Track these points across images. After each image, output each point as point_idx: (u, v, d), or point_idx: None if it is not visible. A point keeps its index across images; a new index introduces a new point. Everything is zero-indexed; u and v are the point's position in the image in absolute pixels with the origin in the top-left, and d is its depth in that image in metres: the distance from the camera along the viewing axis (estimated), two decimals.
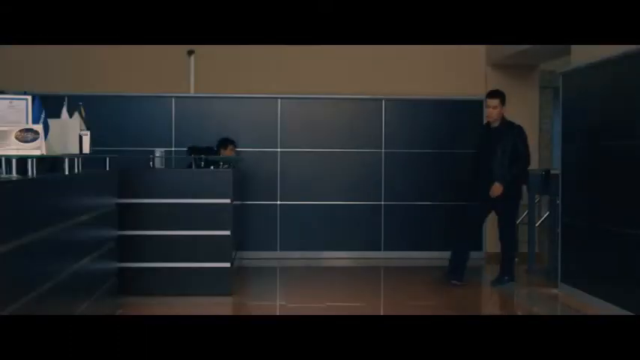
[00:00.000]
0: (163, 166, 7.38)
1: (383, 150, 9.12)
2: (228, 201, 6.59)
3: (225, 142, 8.41)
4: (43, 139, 3.81)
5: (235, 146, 8.48)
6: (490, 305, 7.09)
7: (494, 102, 7.02)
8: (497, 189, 6.94)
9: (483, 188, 7.01)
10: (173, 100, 8.93)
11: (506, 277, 7.22)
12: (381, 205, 9.09)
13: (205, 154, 7.86)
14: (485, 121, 7.39)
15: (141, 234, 6.45)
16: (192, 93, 9.02)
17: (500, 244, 7.32)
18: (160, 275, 6.48)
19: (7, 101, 3.96)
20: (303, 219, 9.00)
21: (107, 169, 5.57)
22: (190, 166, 7.35)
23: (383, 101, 9.12)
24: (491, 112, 7.04)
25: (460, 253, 7.26)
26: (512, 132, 7.00)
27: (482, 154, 7.11)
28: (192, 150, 8.01)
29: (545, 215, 8.34)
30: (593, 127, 6.41)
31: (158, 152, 7.37)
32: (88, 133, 4.85)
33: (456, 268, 7.20)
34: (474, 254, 8.89)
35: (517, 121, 7.23)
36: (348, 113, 9.14)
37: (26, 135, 3.75)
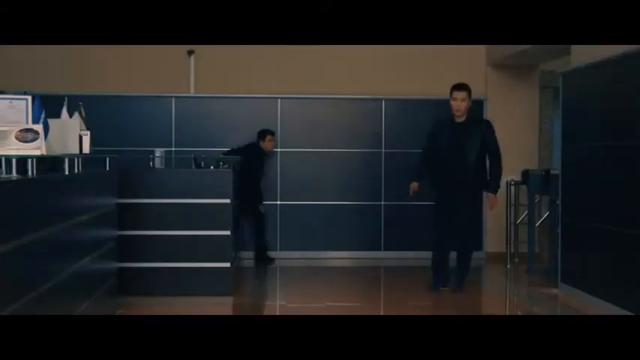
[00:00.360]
0: (163, 166, 7.38)
1: (383, 150, 9.12)
2: (228, 201, 6.59)
3: (264, 134, 8.59)
4: (43, 139, 3.81)
5: (273, 136, 8.65)
6: (490, 305, 7.08)
7: (462, 94, 6.58)
8: (494, 201, 6.67)
9: (450, 188, 6.62)
10: (173, 100, 8.93)
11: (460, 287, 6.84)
12: (381, 205, 9.09)
13: (248, 152, 8.24)
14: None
15: (141, 234, 6.45)
16: (192, 93, 9.02)
17: (461, 246, 6.80)
18: (160, 275, 6.48)
19: (7, 101, 3.96)
20: (303, 219, 9.00)
21: (107, 169, 5.57)
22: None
23: (383, 101, 9.12)
24: (460, 104, 6.56)
25: (442, 256, 6.79)
26: (480, 127, 6.65)
27: (449, 152, 6.62)
28: (234, 152, 8.29)
29: (545, 215, 8.34)
30: (593, 127, 6.41)
31: (158, 152, 7.38)
32: (88, 133, 4.85)
33: (438, 271, 6.79)
34: (474, 254, 8.89)
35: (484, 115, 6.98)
36: (348, 113, 9.14)
37: (26, 135, 3.75)
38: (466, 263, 6.86)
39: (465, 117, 6.65)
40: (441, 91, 9.05)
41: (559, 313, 6.43)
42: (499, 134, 7.25)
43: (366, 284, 7.66)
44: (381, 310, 6.58)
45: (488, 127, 6.69)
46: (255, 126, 8.91)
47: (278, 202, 8.98)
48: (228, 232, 6.58)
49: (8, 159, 3.73)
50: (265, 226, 8.80)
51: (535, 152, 9.36)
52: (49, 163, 4.37)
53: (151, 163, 7.30)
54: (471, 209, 6.82)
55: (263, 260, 8.59)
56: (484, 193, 6.90)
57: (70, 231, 4.24)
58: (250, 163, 8.24)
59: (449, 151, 6.62)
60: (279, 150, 8.97)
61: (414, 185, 6.86)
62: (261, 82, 9.02)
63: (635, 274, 5.63)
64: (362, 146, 9.11)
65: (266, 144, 8.56)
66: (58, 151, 4.34)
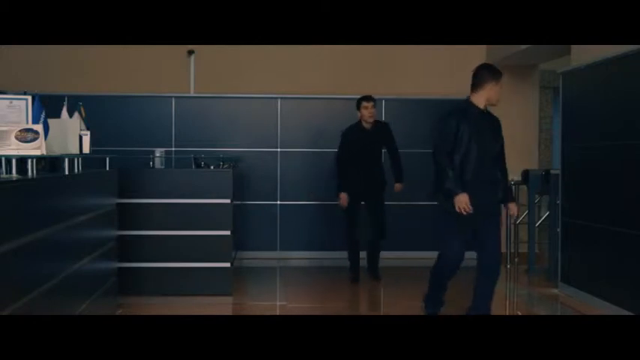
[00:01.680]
0: (163, 166, 7.38)
1: (383, 150, 9.10)
2: (228, 201, 6.59)
3: (359, 101, 7.40)
4: (43, 139, 3.81)
5: (369, 102, 7.26)
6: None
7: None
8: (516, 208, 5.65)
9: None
10: (173, 100, 8.93)
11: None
12: None
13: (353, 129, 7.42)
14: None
15: (141, 234, 6.45)
16: (192, 93, 9.02)
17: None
18: (160, 275, 6.48)
19: (7, 101, 3.96)
20: (303, 219, 9.00)
21: (107, 169, 5.57)
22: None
23: (382, 101, 9.12)
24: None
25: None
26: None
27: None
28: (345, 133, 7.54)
29: (545, 215, 8.34)
30: (593, 127, 6.41)
31: (158, 152, 7.38)
32: (88, 133, 4.85)
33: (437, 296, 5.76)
34: (472, 254, 8.89)
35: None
36: (347, 113, 9.09)
37: (26, 135, 3.75)
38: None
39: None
40: (441, 91, 9.10)
41: (559, 313, 6.43)
42: None
43: (366, 284, 7.65)
44: (381, 310, 6.58)
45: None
46: (256, 126, 8.91)
47: (278, 202, 8.98)
48: (228, 232, 6.58)
49: (8, 159, 3.73)
50: (376, 226, 7.58)
51: (535, 152, 9.36)
52: (49, 163, 4.37)
53: (151, 163, 7.29)
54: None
55: (371, 273, 7.58)
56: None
57: (70, 231, 4.24)
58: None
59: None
60: (279, 150, 8.97)
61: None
62: (261, 82, 9.02)
63: (635, 274, 5.63)
64: None
65: (361, 112, 7.32)
66: (58, 151, 4.34)
